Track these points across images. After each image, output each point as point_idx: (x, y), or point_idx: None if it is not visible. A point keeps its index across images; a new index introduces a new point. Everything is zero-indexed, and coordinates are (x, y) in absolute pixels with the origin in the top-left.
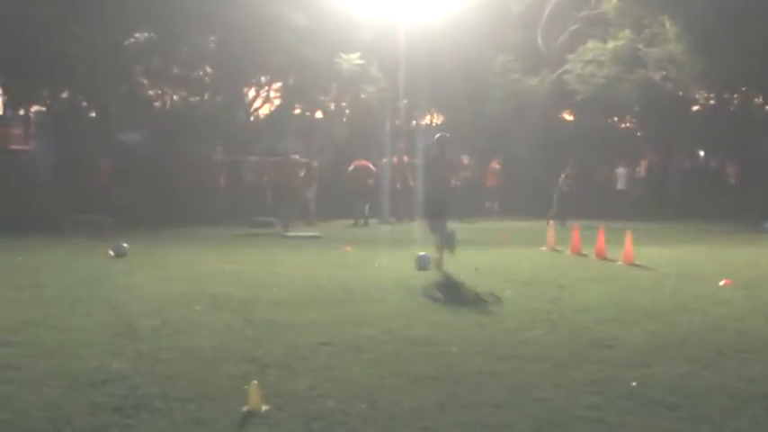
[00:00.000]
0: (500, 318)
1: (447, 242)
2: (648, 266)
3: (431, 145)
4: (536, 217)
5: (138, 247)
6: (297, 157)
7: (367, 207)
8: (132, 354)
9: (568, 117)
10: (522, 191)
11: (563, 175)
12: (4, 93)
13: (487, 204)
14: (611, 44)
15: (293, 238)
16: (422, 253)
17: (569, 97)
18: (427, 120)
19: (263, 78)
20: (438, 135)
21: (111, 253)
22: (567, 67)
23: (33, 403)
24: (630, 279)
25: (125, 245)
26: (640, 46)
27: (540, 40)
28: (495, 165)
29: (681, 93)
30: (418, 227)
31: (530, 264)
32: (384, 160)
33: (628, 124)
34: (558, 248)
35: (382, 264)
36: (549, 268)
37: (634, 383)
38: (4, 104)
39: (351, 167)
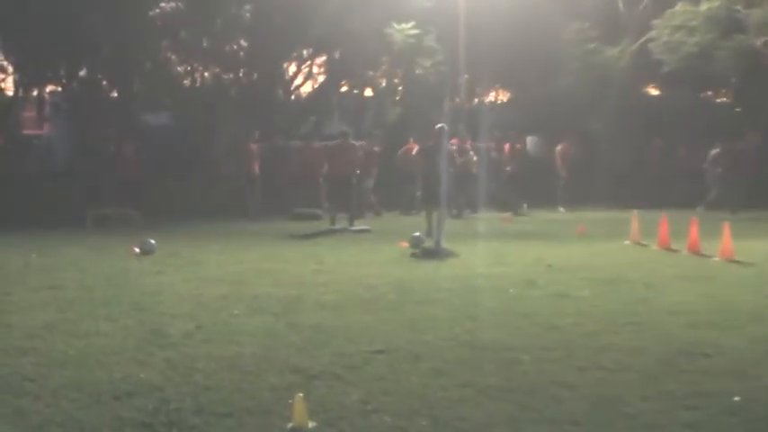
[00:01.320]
0: (578, 321)
1: (431, 232)
2: (751, 263)
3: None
4: (616, 206)
5: (166, 244)
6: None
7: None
8: (162, 362)
9: (653, 92)
10: (599, 176)
11: (711, 155)
12: (15, 71)
13: (559, 193)
14: (703, 6)
15: (340, 232)
16: (416, 233)
17: (654, 69)
18: (491, 97)
19: (304, 52)
20: (438, 126)
21: (137, 250)
22: (651, 34)
23: (51, 418)
24: (730, 277)
25: (152, 241)
26: (739, 7)
27: (620, 4)
28: (565, 147)
29: None
30: (481, 219)
31: (611, 259)
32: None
33: (724, 99)
34: (644, 242)
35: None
36: (633, 264)
37: (737, 398)
38: (16, 84)
39: (400, 151)
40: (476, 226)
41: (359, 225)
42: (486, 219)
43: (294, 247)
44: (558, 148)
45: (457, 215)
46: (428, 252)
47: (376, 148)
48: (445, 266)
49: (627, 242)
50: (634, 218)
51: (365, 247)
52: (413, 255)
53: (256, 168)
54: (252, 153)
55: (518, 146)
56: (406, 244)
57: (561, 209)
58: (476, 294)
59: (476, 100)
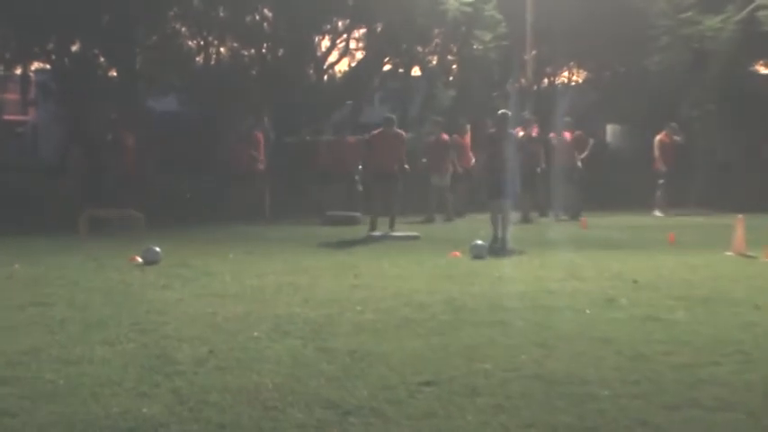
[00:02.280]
0: (669, 349)
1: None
2: None
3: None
4: (716, 209)
5: (174, 253)
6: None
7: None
8: (169, 394)
9: (763, 70)
10: (696, 174)
11: None
12: None
13: (658, 194)
14: None
15: (381, 239)
16: (478, 242)
17: (764, 42)
18: (564, 78)
19: (340, 24)
20: (501, 112)
21: (140, 260)
22: (761, 0)
23: None
24: None
25: (158, 249)
26: None
27: None
28: (665, 138)
29: None
30: (550, 223)
31: (709, 274)
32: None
33: None
34: (751, 253)
35: (505, 274)
36: (737, 281)
37: None
38: None
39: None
40: (545, 232)
41: (405, 230)
42: (556, 223)
43: (326, 256)
44: (657, 138)
45: (523, 219)
46: (494, 250)
47: (445, 138)
48: (508, 282)
49: (729, 253)
50: (738, 224)
51: (411, 257)
52: (473, 257)
53: (260, 162)
54: (256, 143)
55: (578, 133)
56: (459, 254)
57: (658, 213)
58: (545, 315)
59: (545, 81)
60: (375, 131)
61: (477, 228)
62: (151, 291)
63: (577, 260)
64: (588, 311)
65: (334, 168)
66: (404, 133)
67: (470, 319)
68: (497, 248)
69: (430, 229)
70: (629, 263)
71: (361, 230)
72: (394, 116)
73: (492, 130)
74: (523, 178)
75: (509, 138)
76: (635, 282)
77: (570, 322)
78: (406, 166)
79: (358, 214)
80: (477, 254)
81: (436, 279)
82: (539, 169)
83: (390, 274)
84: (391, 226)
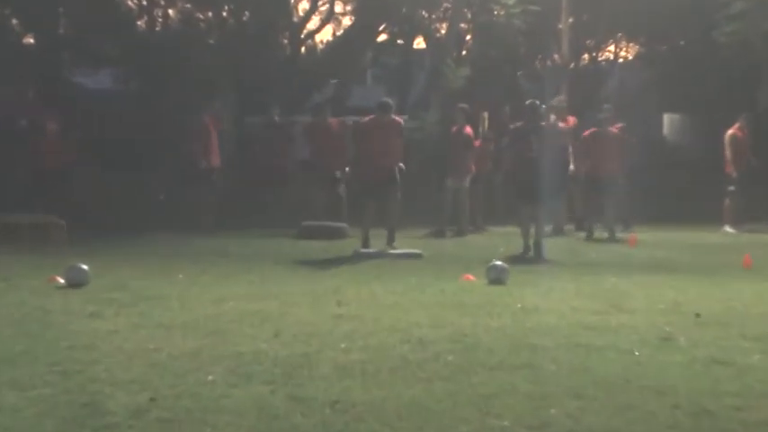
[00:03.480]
0: (741, 403)
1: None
2: None
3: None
4: None
5: (107, 271)
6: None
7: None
8: None
9: None
10: None
11: None
12: None
13: (727, 204)
14: None
15: (376, 256)
16: (497, 262)
17: None
18: (608, 54)
19: None
20: (529, 102)
21: (62, 280)
22: None
23: None
24: None
25: (85, 267)
26: None
27: None
28: (738, 133)
29: None
30: (588, 239)
31: None
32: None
33: None
34: None
35: (530, 303)
36: None
37: None
38: None
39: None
40: (582, 250)
41: (404, 247)
42: (596, 238)
43: (303, 278)
44: (729, 132)
45: (555, 231)
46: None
47: (468, 132)
48: (534, 313)
49: None
50: None
51: (412, 280)
52: (491, 282)
53: (214, 155)
54: (206, 132)
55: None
56: (473, 277)
57: (729, 228)
58: (581, 357)
59: (585, 57)
60: (364, 120)
61: (496, 244)
62: (76, 320)
63: (623, 287)
64: (637, 353)
65: (314, 162)
66: (401, 121)
67: (485, 361)
68: (531, 258)
69: (437, 245)
70: (690, 292)
71: (347, 245)
72: (390, 100)
73: (517, 124)
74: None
75: (540, 131)
76: (697, 316)
77: (614, 366)
78: (401, 165)
79: (344, 225)
80: (496, 277)
81: (443, 309)
82: (572, 168)
83: (384, 301)
84: (389, 241)
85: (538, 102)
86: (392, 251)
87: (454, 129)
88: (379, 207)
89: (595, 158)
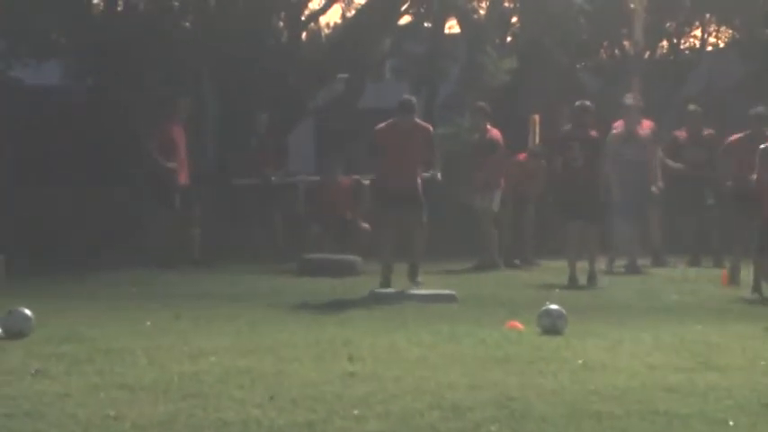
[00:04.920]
0: None
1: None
2: None
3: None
4: None
5: (55, 317)
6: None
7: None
8: None
9: None
10: None
11: None
12: None
13: None
14: None
15: (400, 298)
16: (552, 306)
17: None
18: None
19: None
20: (578, 103)
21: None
22: None
23: None
24: None
25: (27, 312)
26: None
27: None
28: None
29: None
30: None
31: None
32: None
33: None
34: None
35: (592, 359)
36: None
37: None
38: None
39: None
40: (662, 289)
41: (434, 287)
42: (677, 274)
43: (305, 326)
44: None
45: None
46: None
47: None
48: (600, 371)
49: None
50: None
51: (442, 329)
52: (544, 331)
53: (181, 171)
54: (169, 140)
55: (708, 132)
56: (520, 325)
57: None
58: (660, 428)
59: (664, 45)
60: (382, 125)
61: (547, 281)
62: (16, 381)
63: (714, 338)
64: (732, 422)
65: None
66: (430, 127)
67: (537, 430)
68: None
69: (476, 283)
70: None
71: (361, 284)
72: (414, 99)
73: (566, 127)
74: (625, 202)
75: (588, 138)
76: None
77: None
78: (439, 176)
79: (356, 258)
80: (551, 325)
81: (483, 365)
82: (654, 188)
83: (408, 356)
84: (411, 276)
85: (588, 103)
86: (416, 291)
87: (476, 136)
88: (400, 234)
89: (744, 171)
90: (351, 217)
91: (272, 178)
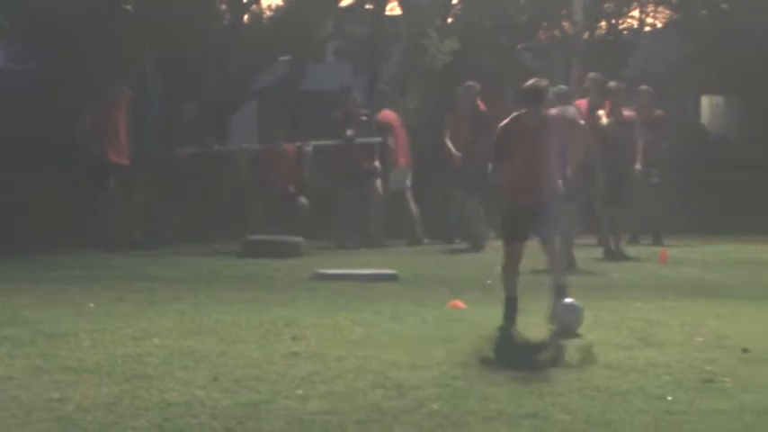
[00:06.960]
0: None
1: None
2: None
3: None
4: None
5: None
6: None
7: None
8: None
9: None
10: None
11: None
12: None
13: None
14: None
15: (343, 278)
16: (568, 300)
17: None
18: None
19: None
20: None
21: None
22: None
23: None
24: None
25: None
26: None
27: None
28: None
29: None
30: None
31: None
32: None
33: None
34: None
35: (533, 337)
36: None
37: None
38: None
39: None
40: (601, 269)
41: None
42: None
43: (248, 307)
44: None
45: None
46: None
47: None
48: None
49: None
50: None
51: (385, 309)
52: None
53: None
54: (104, 122)
55: (658, 113)
56: (461, 304)
57: None
58: (600, 404)
59: (602, 25)
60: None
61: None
62: None
63: (653, 315)
64: (670, 398)
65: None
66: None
67: (481, 410)
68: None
69: (417, 263)
70: (737, 321)
71: (305, 265)
72: (351, 87)
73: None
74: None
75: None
76: (745, 351)
77: (641, 415)
78: (376, 164)
79: (299, 239)
80: (566, 322)
81: (425, 345)
82: (638, 167)
83: (351, 336)
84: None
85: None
86: (361, 272)
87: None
88: (356, 209)
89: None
90: (294, 191)
91: (215, 146)
